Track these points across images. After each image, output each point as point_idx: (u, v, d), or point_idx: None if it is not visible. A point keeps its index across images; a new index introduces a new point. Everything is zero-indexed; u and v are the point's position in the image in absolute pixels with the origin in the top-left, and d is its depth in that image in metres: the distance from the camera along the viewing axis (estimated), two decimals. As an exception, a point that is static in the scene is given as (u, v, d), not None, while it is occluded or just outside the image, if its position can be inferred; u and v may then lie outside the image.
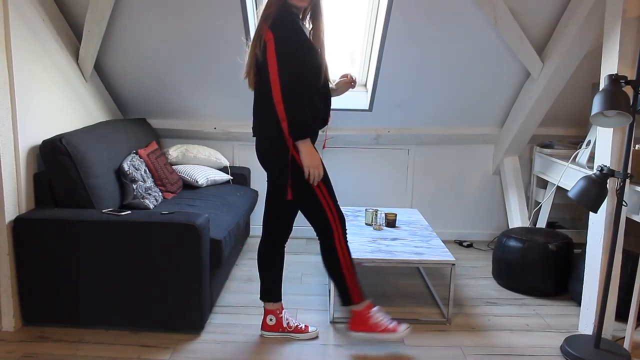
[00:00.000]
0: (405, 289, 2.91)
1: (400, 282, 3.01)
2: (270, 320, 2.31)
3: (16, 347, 2.18)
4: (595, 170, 2.16)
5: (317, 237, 2.17)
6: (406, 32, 2.86)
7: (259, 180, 3.62)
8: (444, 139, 3.64)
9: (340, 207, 2.15)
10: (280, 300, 2.33)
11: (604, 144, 2.28)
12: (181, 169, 3.26)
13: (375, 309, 2.19)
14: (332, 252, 2.12)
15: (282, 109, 1.91)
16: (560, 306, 2.75)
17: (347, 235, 2.16)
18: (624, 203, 2.14)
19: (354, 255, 2.44)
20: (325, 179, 2.10)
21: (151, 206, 2.69)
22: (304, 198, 2.09)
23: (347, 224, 2.21)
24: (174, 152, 3.38)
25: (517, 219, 3.45)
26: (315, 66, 1.98)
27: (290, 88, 1.90)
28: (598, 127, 2.27)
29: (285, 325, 2.31)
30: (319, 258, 3.32)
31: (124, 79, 3.23)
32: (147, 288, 2.27)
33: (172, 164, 3.32)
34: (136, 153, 2.91)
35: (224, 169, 3.48)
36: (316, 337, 2.32)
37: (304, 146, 1.97)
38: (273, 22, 1.92)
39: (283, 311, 2.34)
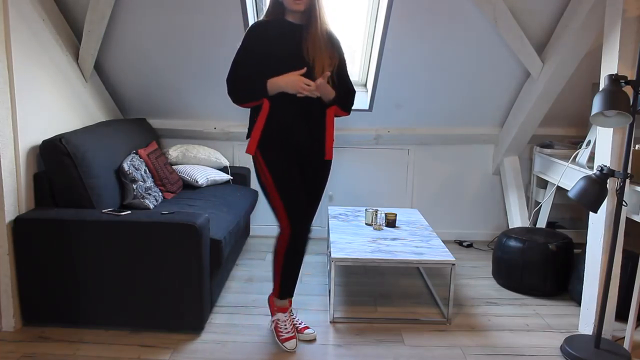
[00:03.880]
0: (405, 289, 2.91)
1: (400, 282, 3.01)
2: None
3: (16, 347, 2.18)
4: (595, 170, 2.16)
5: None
6: (406, 32, 2.86)
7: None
8: (444, 139, 3.64)
9: (299, 209, 2.16)
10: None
11: (604, 144, 2.28)
12: (181, 169, 3.26)
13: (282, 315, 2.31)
14: (275, 245, 2.21)
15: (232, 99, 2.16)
16: (560, 306, 2.75)
17: (297, 237, 2.16)
18: (624, 203, 2.14)
19: (354, 256, 2.47)
20: (277, 176, 2.13)
21: (151, 206, 2.69)
22: (263, 193, 2.22)
23: (308, 225, 2.25)
24: (174, 152, 3.38)
25: (517, 219, 3.45)
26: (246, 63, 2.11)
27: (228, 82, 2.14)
28: (598, 127, 2.27)
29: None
30: (319, 258, 3.34)
31: (124, 79, 3.23)
32: (147, 288, 2.27)
33: (172, 164, 3.32)
34: (136, 153, 2.91)
35: (224, 169, 3.48)
36: (314, 340, 2.32)
37: (270, 88, 2.07)
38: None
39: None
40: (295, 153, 2.16)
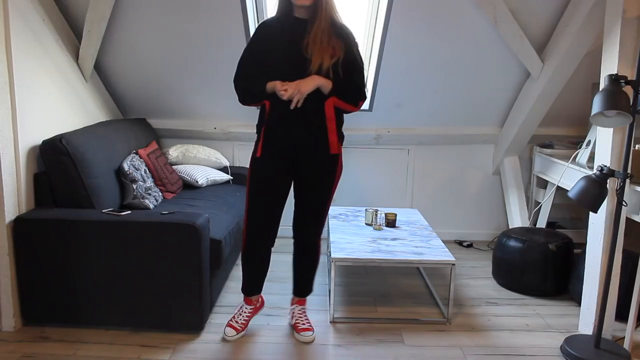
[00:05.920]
0: (405, 289, 2.91)
1: (400, 282, 3.01)
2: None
3: (16, 347, 2.18)
4: (595, 170, 2.16)
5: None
6: (406, 32, 2.86)
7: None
8: (444, 139, 3.64)
9: (257, 225, 2.23)
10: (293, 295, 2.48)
11: (604, 144, 2.28)
12: (181, 169, 3.26)
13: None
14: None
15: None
16: (560, 306, 2.75)
17: (252, 251, 2.31)
18: (624, 203, 2.14)
19: (354, 256, 2.48)
20: (252, 190, 2.20)
21: (151, 206, 2.69)
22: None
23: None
24: (174, 152, 3.38)
25: (517, 219, 3.45)
26: (250, 60, 2.15)
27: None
28: (598, 127, 2.27)
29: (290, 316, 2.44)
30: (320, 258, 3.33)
31: (124, 79, 3.23)
32: (147, 288, 2.27)
33: (172, 164, 3.31)
34: (136, 153, 2.91)
35: (224, 169, 3.48)
36: (310, 342, 2.30)
37: (268, 89, 2.09)
38: None
39: (293, 305, 2.45)
40: (287, 156, 2.17)
